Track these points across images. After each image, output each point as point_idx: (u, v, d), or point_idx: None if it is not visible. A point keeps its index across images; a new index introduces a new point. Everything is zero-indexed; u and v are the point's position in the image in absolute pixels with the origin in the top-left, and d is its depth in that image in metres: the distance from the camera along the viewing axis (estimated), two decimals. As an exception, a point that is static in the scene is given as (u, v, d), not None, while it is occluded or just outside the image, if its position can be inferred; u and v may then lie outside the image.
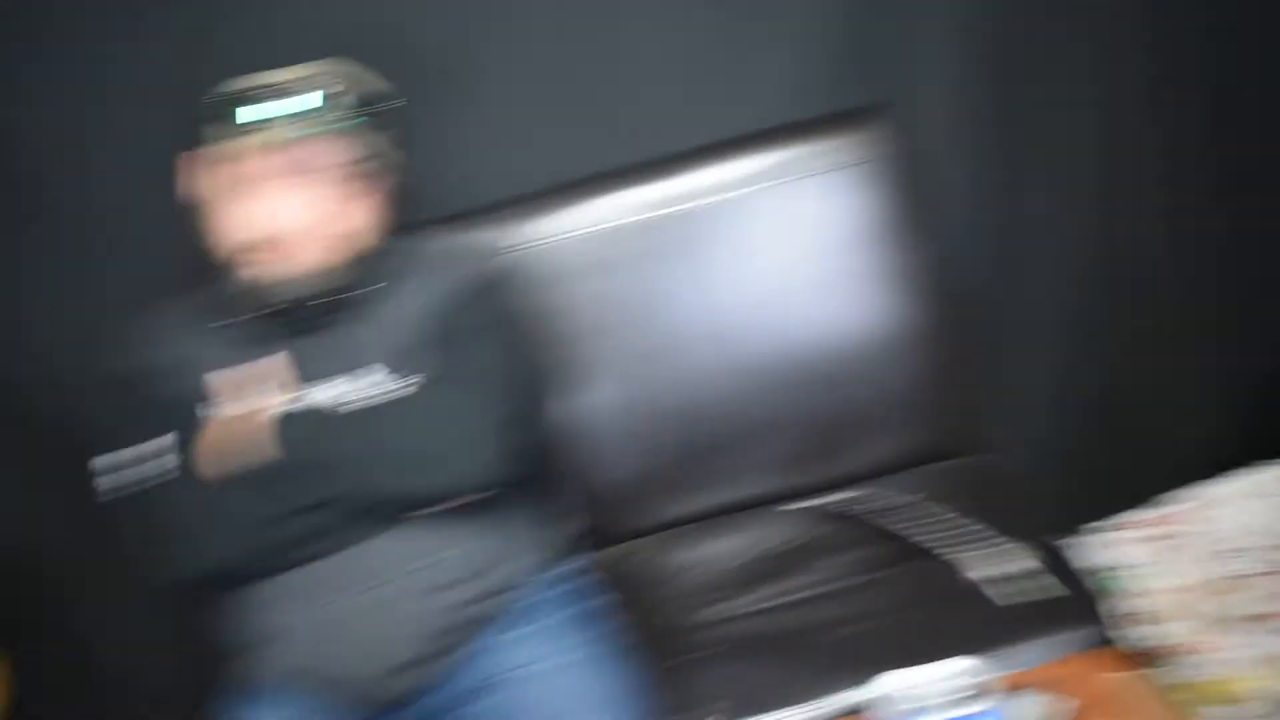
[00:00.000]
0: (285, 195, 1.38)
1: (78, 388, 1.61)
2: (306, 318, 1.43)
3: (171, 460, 1.38)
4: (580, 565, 1.60)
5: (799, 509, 1.68)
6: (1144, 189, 1.88)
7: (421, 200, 1.55)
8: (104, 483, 1.40)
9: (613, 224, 1.68)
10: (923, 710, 0.96)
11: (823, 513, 1.66)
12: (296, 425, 1.37)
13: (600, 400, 1.69)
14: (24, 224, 1.74)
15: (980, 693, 0.96)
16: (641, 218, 1.68)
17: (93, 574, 1.95)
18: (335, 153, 1.39)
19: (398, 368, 1.43)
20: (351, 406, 1.41)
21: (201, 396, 1.42)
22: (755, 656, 1.44)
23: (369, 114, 1.41)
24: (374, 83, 1.43)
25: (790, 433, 1.70)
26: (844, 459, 1.71)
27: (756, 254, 1.69)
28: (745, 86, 1.76)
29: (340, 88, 1.40)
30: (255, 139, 1.36)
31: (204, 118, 1.40)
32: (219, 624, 1.51)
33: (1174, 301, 1.94)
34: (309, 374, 1.43)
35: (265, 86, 1.38)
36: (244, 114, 1.36)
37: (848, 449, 1.71)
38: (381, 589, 1.39)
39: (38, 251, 1.76)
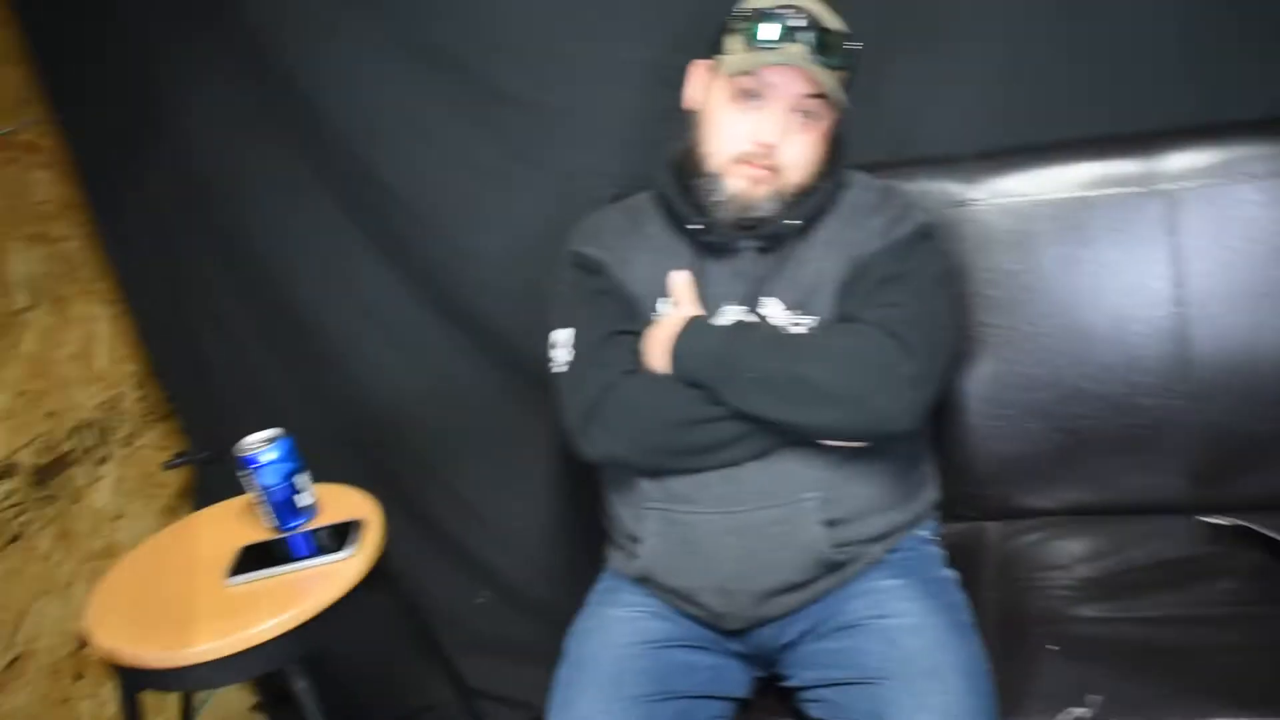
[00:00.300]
0: (777, 118, 1.42)
1: (532, 272, 1.74)
2: (761, 243, 1.48)
3: (610, 350, 1.47)
4: (936, 533, 1.59)
5: (1182, 521, 1.59)
6: None
7: (862, 145, 1.55)
8: (555, 355, 1.50)
9: (1051, 196, 1.63)
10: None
11: (1212, 530, 1.56)
12: (727, 336, 1.42)
13: (991, 373, 1.65)
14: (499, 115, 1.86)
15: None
16: (1080, 195, 1.62)
17: (486, 440, 2.11)
18: (807, 85, 1.41)
19: (798, 304, 1.46)
20: (783, 329, 1.45)
21: (653, 290, 1.50)
22: (1113, 663, 1.37)
23: (841, 54, 1.42)
24: (840, 23, 1.44)
25: (1182, 441, 1.60)
26: (1239, 481, 1.60)
27: (1195, 250, 1.58)
28: (1230, 74, 1.64)
29: (834, 24, 1.42)
30: (772, 56, 1.39)
31: (724, 29, 1.45)
32: (606, 511, 1.59)
33: None
34: (725, 292, 1.48)
35: (787, 8, 1.40)
36: (766, 31, 1.40)
37: (1244, 471, 1.60)
38: (769, 511, 1.42)
39: (513, 143, 1.88)
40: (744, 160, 1.43)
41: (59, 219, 2.18)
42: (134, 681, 1.52)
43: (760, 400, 1.39)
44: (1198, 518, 1.58)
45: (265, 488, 1.59)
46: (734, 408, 1.40)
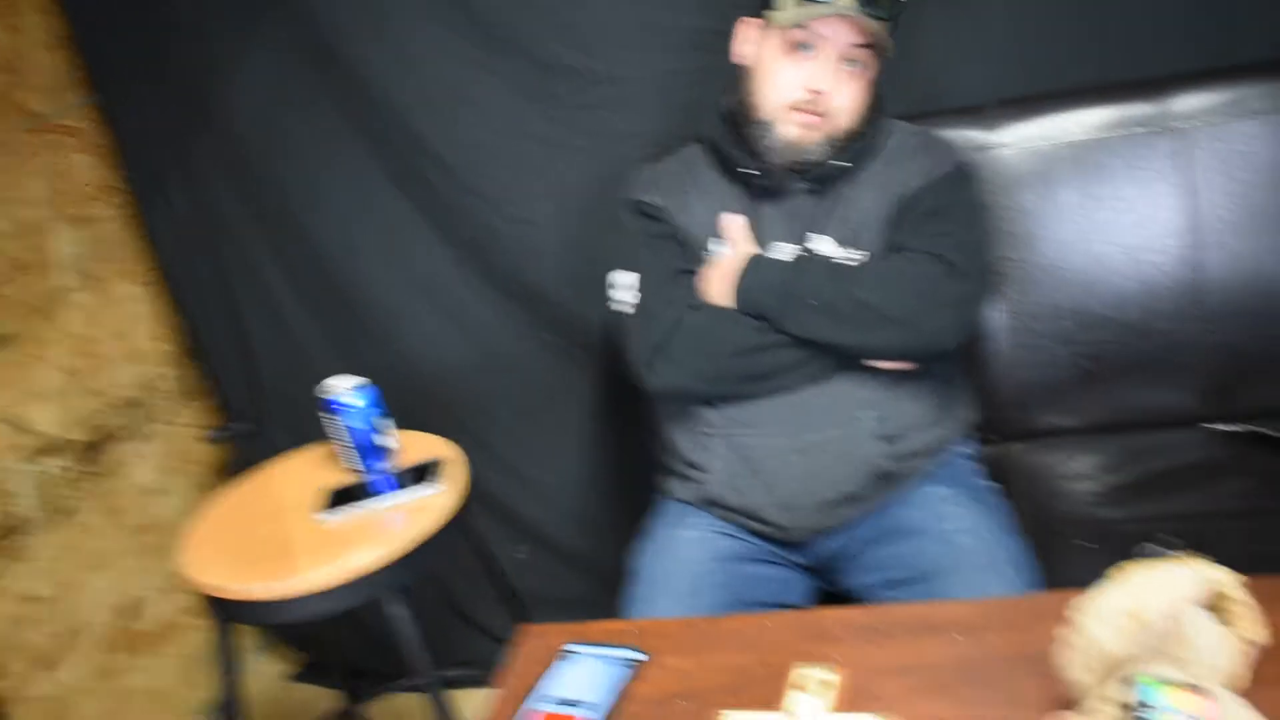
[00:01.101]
0: (827, 67, 1.53)
1: (579, 236, 1.85)
2: (808, 184, 1.59)
3: (661, 295, 1.58)
4: (977, 451, 1.72)
5: (1195, 431, 1.74)
6: None
7: (893, 97, 1.66)
8: (618, 296, 1.61)
9: (1060, 138, 1.77)
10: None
11: (1224, 437, 1.71)
12: (788, 270, 1.54)
13: (1017, 304, 1.79)
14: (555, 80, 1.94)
15: None
16: (1088, 135, 1.76)
17: (526, 402, 2.20)
18: (855, 34, 1.52)
19: (848, 240, 1.58)
20: (838, 261, 1.56)
21: (710, 233, 1.61)
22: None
23: (886, 4, 1.52)
24: None
25: (1196, 359, 1.75)
26: (1246, 393, 1.75)
27: (1187, 183, 1.73)
28: (1233, 18, 1.79)
29: None
30: (821, 9, 1.49)
31: None
32: (665, 443, 1.70)
33: None
34: (779, 232, 1.60)
35: None
36: None
37: (1251, 385, 1.75)
38: (829, 430, 1.55)
39: (560, 110, 1.95)
40: (797, 108, 1.55)
41: (99, 201, 2.25)
42: (237, 616, 1.60)
43: (822, 326, 1.51)
44: (1210, 426, 1.74)
45: (349, 430, 1.68)
46: (794, 335, 1.52)
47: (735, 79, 1.63)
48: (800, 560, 1.63)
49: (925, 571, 1.47)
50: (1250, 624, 0.99)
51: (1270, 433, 1.67)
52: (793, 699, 1.10)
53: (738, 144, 1.61)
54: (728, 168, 1.64)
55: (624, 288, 1.61)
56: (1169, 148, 1.73)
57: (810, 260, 1.57)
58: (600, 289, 1.65)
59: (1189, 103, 1.73)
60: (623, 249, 1.65)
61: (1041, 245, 1.77)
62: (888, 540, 1.55)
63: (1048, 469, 1.75)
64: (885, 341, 1.52)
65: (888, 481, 1.57)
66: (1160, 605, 0.98)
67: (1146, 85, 1.76)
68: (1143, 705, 0.90)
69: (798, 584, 1.63)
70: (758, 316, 1.53)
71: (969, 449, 1.70)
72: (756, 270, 1.54)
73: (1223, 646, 0.97)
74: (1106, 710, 0.93)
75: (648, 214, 1.65)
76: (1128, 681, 0.92)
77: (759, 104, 1.58)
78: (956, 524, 1.52)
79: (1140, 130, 1.74)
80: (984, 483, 1.64)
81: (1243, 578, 1.00)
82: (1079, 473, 1.73)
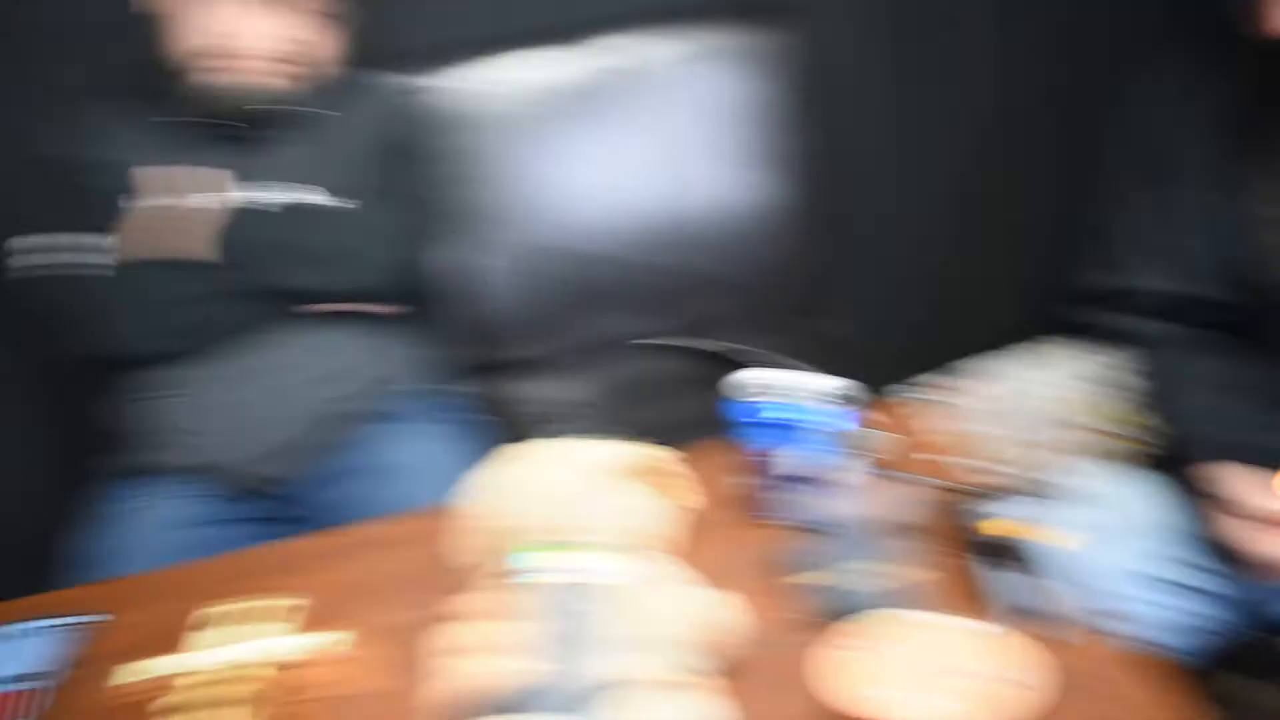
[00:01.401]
0: (252, 12, 1.47)
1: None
2: (248, 129, 1.52)
3: (92, 254, 1.45)
4: (456, 386, 1.73)
5: (659, 345, 1.87)
6: (997, 118, 2.18)
7: (369, 40, 1.64)
8: (17, 261, 1.47)
9: (532, 82, 1.82)
10: (768, 398, 1.12)
11: (701, 355, 1.85)
12: (224, 222, 1.46)
13: (511, 244, 1.83)
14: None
15: (843, 406, 1.10)
16: (561, 79, 1.82)
17: None
18: None
19: (330, 187, 1.54)
20: (277, 210, 1.50)
21: (130, 188, 1.48)
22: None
23: None
24: None
25: (661, 284, 1.86)
26: (706, 312, 1.89)
27: (657, 123, 1.84)
28: None
29: None
30: None
31: None
32: (106, 410, 1.58)
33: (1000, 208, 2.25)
34: (242, 182, 1.51)
35: None
36: None
37: (711, 303, 1.89)
38: (274, 378, 1.51)
39: None
40: (210, 53, 1.48)
41: None
42: None
43: (300, 275, 1.49)
44: (688, 346, 1.86)
45: None
46: (273, 286, 1.48)
47: (154, 28, 1.53)
48: (272, 511, 1.57)
49: (394, 505, 1.45)
50: (682, 491, 1.04)
51: (742, 349, 1.79)
52: (190, 639, 1.07)
53: (162, 94, 1.53)
54: (150, 115, 1.54)
55: (45, 250, 1.47)
56: (645, 91, 1.83)
57: (270, 208, 1.51)
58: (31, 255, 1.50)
59: (661, 49, 1.84)
60: (37, 209, 1.52)
61: (531, 188, 1.82)
62: (359, 479, 1.53)
63: (539, 398, 1.81)
64: (366, 286, 1.53)
65: (345, 420, 1.55)
66: (549, 476, 1.00)
67: (617, 31, 1.84)
68: (516, 571, 0.92)
69: (271, 534, 1.57)
70: (236, 268, 1.46)
71: (451, 385, 1.71)
72: (236, 222, 1.46)
73: (638, 511, 1.00)
74: (488, 583, 0.94)
75: (65, 167, 1.53)
76: (502, 552, 0.94)
77: (174, 51, 1.50)
78: (418, 459, 1.54)
79: (617, 76, 1.82)
80: (462, 416, 1.66)
81: (677, 452, 1.05)
82: (568, 399, 1.79)
